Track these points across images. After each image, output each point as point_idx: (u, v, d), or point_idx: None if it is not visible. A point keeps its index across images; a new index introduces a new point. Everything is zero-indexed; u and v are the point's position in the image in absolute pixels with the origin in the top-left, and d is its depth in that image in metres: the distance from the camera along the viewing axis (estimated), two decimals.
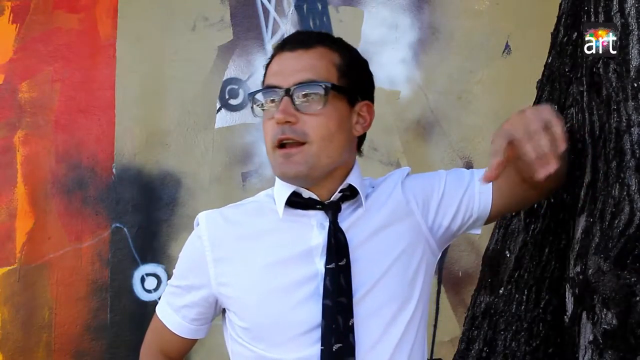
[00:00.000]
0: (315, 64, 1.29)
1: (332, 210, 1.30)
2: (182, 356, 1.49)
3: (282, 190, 1.32)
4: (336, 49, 1.33)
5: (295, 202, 1.31)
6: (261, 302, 1.29)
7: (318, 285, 1.27)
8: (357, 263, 1.29)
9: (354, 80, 1.33)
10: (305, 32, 1.37)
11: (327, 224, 1.30)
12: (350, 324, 1.25)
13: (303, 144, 1.25)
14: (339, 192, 1.31)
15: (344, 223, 1.31)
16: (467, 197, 1.37)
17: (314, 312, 1.26)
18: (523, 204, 1.50)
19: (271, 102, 1.28)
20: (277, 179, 1.34)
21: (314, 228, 1.31)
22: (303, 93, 1.26)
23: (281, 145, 1.26)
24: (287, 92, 1.26)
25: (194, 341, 1.44)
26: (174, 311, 1.40)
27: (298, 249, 1.30)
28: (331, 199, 1.31)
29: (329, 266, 1.27)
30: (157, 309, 1.44)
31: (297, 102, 1.26)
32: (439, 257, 1.43)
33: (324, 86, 1.27)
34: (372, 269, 1.30)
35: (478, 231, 1.43)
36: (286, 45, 1.31)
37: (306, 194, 1.30)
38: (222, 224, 1.35)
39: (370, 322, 1.27)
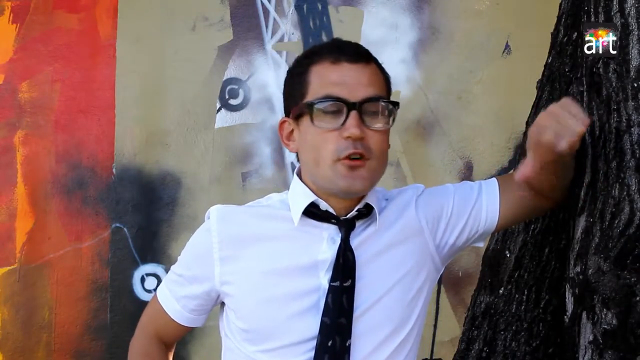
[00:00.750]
0: (377, 80, 1.29)
1: (346, 227, 1.30)
2: (175, 341, 1.51)
3: (300, 199, 1.30)
4: (380, 66, 1.34)
5: (310, 212, 1.30)
6: (260, 307, 1.29)
7: (319, 299, 1.27)
8: (361, 281, 1.29)
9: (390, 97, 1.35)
10: (354, 44, 1.35)
11: (338, 240, 1.29)
12: (347, 344, 1.25)
13: (367, 159, 1.25)
14: (356, 211, 1.30)
15: (355, 240, 1.30)
16: (474, 213, 1.38)
17: (310, 325, 1.27)
18: (529, 216, 1.51)
19: (331, 113, 1.25)
20: (295, 185, 1.33)
21: (324, 241, 1.30)
22: (372, 109, 1.26)
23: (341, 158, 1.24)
24: (357, 106, 1.24)
25: (190, 328, 1.45)
26: (175, 299, 1.40)
27: (304, 260, 1.29)
28: (347, 216, 1.30)
29: (334, 284, 1.27)
30: (158, 292, 1.44)
31: (365, 118, 1.25)
32: (441, 272, 1.43)
33: (392, 104, 1.29)
34: (374, 288, 1.30)
35: (481, 244, 1.44)
36: (342, 55, 1.28)
37: (324, 206, 1.30)
38: (233, 223, 1.34)
39: (363, 341, 1.28)
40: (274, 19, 2.99)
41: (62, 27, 3.04)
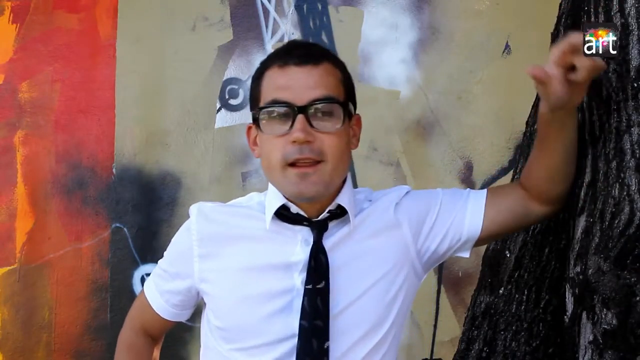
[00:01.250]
0: (327, 81, 1.26)
1: (318, 229, 1.29)
2: (161, 335, 1.54)
3: (272, 202, 1.30)
4: (337, 64, 1.31)
5: (283, 215, 1.30)
6: (235, 306, 1.31)
7: (292, 300, 1.28)
8: (336, 282, 1.29)
9: (351, 95, 1.33)
10: (307, 45, 1.36)
11: (311, 241, 1.29)
12: (325, 347, 1.26)
13: (318, 162, 1.24)
14: (327, 212, 1.30)
15: (329, 240, 1.30)
16: (456, 220, 1.36)
17: (282, 326, 1.27)
18: (522, 227, 1.49)
19: (279, 118, 1.24)
20: (270, 188, 1.33)
21: (298, 243, 1.30)
22: (321, 111, 1.24)
23: (292, 163, 1.24)
24: (303, 109, 1.23)
25: (175, 322, 1.48)
26: (159, 293, 1.43)
27: (278, 260, 1.30)
28: (319, 217, 1.30)
29: (307, 287, 1.27)
30: (145, 286, 1.47)
31: (313, 121, 1.23)
32: (423, 279, 1.42)
33: (341, 105, 1.26)
34: (349, 290, 1.30)
35: (466, 254, 1.41)
36: (290, 58, 1.26)
37: (294, 209, 1.29)
38: (213, 221, 1.35)
39: (338, 341, 1.28)
40: (274, 19, 2.99)
41: (62, 27, 3.04)
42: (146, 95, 3.01)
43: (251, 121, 1.33)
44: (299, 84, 1.24)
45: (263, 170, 1.32)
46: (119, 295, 2.99)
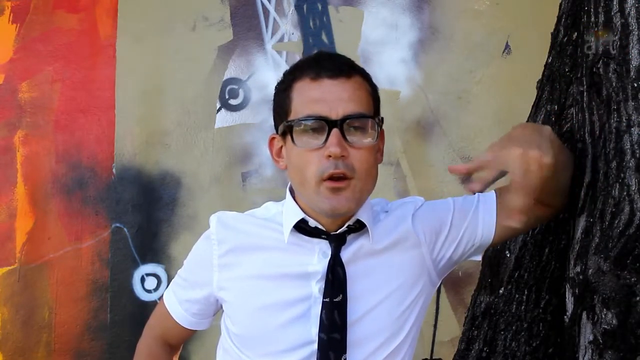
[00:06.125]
0: (360, 95, 1.25)
1: (336, 243, 1.29)
2: (179, 343, 1.55)
3: (290, 216, 1.30)
4: (366, 77, 1.30)
5: (301, 227, 1.30)
6: (252, 314, 1.31)
7: (309, 307, 1.29)
8: (352, 293, 1.29)
9: (378, 108, 1.32)
10: (336, 56, 1.31)
11: (329, 253, 1.29)
12: (342, 359, 1.26)
13: (350, 178, 1.22)
14: (346, 227, 1.30)
15: (346, 252, 1.30)
16: (470, 227, 1.37)
17: (299, 333, 1.28)
18: (530, 227, 1.50)
19: (313, 132, 1.23)
20: (288, 200, 1.33)
21: (316, 254, 1.30)
22: (355, 126, 1.23)
23: (324, 178, 1.22)
24: (338, 124, 1.21)
25: (194, 330, 1.48)
26: (179, 302, 1.44)
27: (296, 270, 1.30)
28: (338, 231, 1.30)
29: (325, 300, 1.27)
30: (165, 294, 1.48)
31: (347, 135, 1.22)
32: (437, 285, 1.43)
33: (375, 120, 1.25)
34: (365, 300, 1.30)
35: (478, 257, 1.43)
36: (323, 70, 1.25)
37: (312, 223, 1.29)
38: (232, 230, 1.35)
39: (354, 352, 1.28)
40: (274, 19, 2.99)
41: (62, 27, 3.04)
42: (146, 95, 3.01)
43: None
44: (333, 97, 1.23)
45: (292, 182, 1.30)
46: (119, 295, 2.99)
